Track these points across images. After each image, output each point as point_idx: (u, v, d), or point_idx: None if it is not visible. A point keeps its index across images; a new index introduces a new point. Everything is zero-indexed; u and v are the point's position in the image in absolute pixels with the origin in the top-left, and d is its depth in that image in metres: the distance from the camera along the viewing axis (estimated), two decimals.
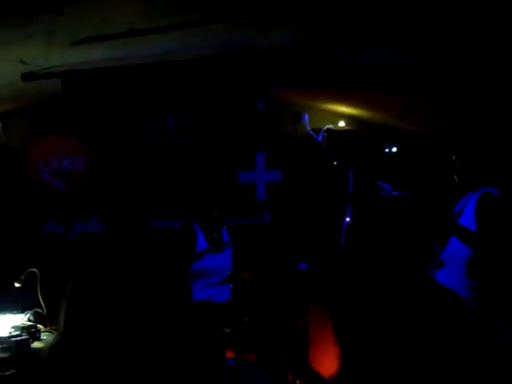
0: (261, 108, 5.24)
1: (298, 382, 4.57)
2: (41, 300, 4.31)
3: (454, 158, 3.69)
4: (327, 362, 4.79)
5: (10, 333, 3.83)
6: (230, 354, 4.23)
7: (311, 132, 5.79)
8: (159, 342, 1.26)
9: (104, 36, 3.01)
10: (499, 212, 3.41)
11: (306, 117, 5.78)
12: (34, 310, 4.30)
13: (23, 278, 4.31)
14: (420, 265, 3.91)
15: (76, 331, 1.26)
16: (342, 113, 5.84)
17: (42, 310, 4.29)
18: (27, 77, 3.52)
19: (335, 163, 5.69)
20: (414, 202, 3.81)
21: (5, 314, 4.07)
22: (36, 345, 3.93)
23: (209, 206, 4.83)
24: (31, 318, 4.23)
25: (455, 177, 3.69)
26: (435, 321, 3.68)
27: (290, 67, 3.82)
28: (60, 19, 2.61)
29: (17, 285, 4.34)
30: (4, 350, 3.63)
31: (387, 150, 5.64)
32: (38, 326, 4.12)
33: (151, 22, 2.84)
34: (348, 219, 4.89)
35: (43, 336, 4.03)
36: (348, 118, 5.84)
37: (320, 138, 5.75)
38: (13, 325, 3.94)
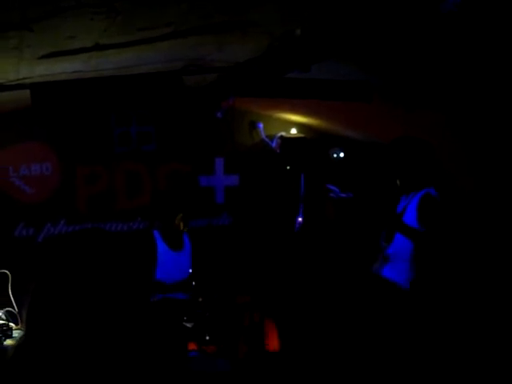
0: (219, 117, 5.28)
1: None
2: (12, 299, 4.26)
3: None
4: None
5: None
6: (192, 347, 4.26)
7: (266, 139, 5.86)
8: (119, 339, 1.28)
9: (71, 51, 3.01)
10: (438, 210, 3.55)
11: (261, 125, 5.85)
12: (5, 310, 4.25)
13: None
14: (365, 260, 4.00)
15: (38, 329, 1.26)
16: (293, 121, 5.93)
17: (14, 309, 4.25)
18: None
19: (288, 168, 5.78)
20: (359, 202, 3.91)
21: None
22: (8, 342, 3.89)
23: (171, 208, 4.80)
24: (3, 316, 4.18)
25: (397, 181, 3.82)
26: (377, 309, 3.77)
27: (245, 80, 3.86)
28: (29, 35, 2.60)
29: None
30: None
31: (335, 156, 5.75)
32: (10, 324, 4.08)
33: (114, 38, 2.85)
34: (300, 219, 4.98)
35: (15, 334, 4.00)
36: (299, 126, 5.94)
37: (274, 145, 5.83)
38: None
